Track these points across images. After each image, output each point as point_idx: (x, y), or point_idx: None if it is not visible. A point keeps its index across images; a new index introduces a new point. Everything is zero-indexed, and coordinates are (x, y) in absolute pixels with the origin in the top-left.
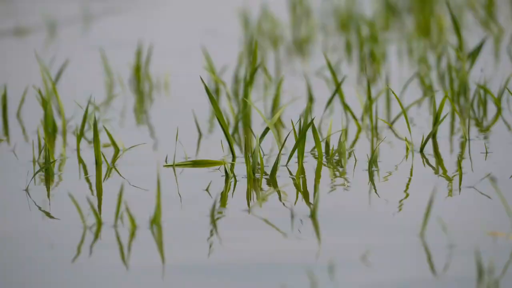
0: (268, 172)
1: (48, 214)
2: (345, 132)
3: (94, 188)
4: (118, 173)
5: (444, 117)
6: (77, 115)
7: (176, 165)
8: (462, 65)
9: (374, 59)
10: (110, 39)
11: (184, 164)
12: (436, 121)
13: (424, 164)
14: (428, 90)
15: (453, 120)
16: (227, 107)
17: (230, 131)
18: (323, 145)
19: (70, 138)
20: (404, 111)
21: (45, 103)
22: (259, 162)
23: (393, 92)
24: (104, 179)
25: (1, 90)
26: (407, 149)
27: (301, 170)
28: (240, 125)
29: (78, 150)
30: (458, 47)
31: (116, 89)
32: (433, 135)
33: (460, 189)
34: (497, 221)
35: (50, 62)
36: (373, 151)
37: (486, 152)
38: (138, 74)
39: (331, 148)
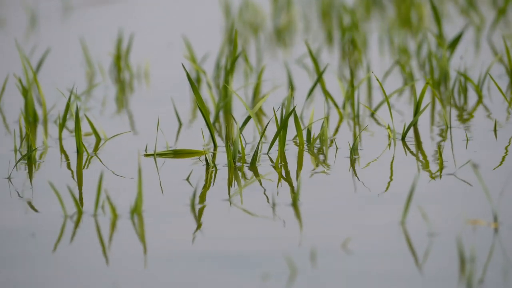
0: (249, 161)
1: (29, 203)
2: (327, 120)
3: (75, 177)
4: (101, 161)
5: (426, 106)
6: (58, 104)
7: (157, 154)
8: (443, 53)
9: (355, 47)
10: (91, 29)
11: (165, 153)
12: (417, 110)
13: (405, 152)
14: (408, 78)
15: (434, 108)
16: (208, 95)
17: (211, 119)
18: (304, 133)
19: (51, 127)
20: (387, 98)
21: (25, 92)
22: (240, 151)
23: (376, 78)
24: (85, 168)
25: None
26: (389, 137)
27: (282, 158)
28: (221, 114)
29: (60, 139)
30: (438, 35)
31: (97, 78)
32: (414, 122)
33: (441, 176)
34: (478, 209)
35: (30, 52)
36: (355, 139)
37: (467, 140)
38: (119, 63)
39: (312, 136)
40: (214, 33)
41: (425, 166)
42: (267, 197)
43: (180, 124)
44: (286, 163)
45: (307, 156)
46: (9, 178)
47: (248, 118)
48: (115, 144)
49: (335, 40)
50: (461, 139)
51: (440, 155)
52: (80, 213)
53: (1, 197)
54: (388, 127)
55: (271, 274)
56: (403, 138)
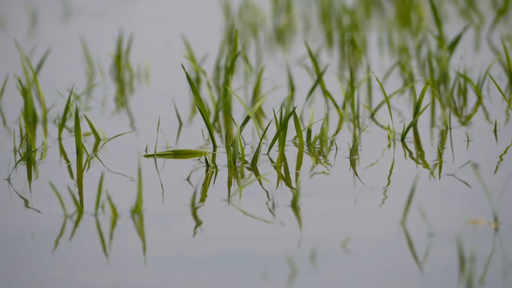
0: (249, 161)
1: (29, 203)
2: (327, 120)
3: (75, 177)
4: (100, 162)
5: (426, 107)
6: (57, 104)
7: (157, 154)
8: (443, 53)
9: (355, 48)
10: (91, 29)
11: (165, 154)
12: (417, 110)
13: (405, 153)
14: (408, 79)
15: (433, 109)
16: (208, 96)
17: (211, 120)
18: (304, 134)
19: (51, 127)
20: (387, 99)
21: (25, 92)
22: (240, 151)
23: (377, 79)
24: (85, 168)
25: None
26: (389, 137)
27: (282, 159)
28: (221, 114)
29: (60, 139)
30: (438, 36)
31: (97, 78)
32: (414, 123)
33: (441, 176)
34: (478, 208)
35: (31, 52)
36: (354, 140)
37: (468, 140)
38: (119, 63)
39: (312, 136)
40: (214, 33)
41: (425, 166)
42: (267, 197)
43: (180, 124)
44: (286, 163)
45: (307, 157)
46: (8, 179)
47: (248, 118)
48: (115, 144)
49: (335, 41)
50: (461, 140)
51: (440, 155)
52: (80, 213)
53: (0, 198)
54: (388, 128)
55: (271, 274)
56: (402, 139)
